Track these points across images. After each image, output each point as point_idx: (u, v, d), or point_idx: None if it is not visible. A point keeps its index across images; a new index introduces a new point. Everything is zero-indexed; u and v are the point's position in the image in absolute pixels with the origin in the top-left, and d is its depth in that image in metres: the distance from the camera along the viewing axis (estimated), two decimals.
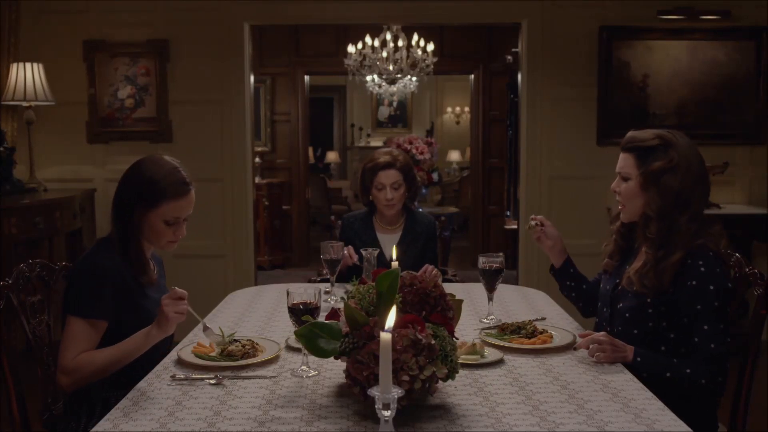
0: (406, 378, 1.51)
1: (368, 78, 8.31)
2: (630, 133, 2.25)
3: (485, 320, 2.45)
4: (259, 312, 2.64)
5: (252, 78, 5.37)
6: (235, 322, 2.48)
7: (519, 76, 5.31)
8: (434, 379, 1.58)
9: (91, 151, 5.17)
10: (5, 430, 2.75)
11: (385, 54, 7.28)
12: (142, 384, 1.87)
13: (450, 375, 1.64)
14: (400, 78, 7.80)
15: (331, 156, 12.86)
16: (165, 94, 5.12)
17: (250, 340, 2.12)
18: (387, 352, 1.30)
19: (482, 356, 2.03)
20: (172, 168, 2.21)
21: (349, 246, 3.10)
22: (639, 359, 2.04)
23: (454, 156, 12.01)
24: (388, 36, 7.16)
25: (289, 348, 2.15)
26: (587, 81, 5.11)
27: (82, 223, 4.88)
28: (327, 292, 2.73)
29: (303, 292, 1.93)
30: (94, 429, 1.59)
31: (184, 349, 2.10)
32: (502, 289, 2.79)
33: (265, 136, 8.48)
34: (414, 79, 8.20)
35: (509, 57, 7.23)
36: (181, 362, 2.02)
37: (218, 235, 5.20)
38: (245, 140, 5.19)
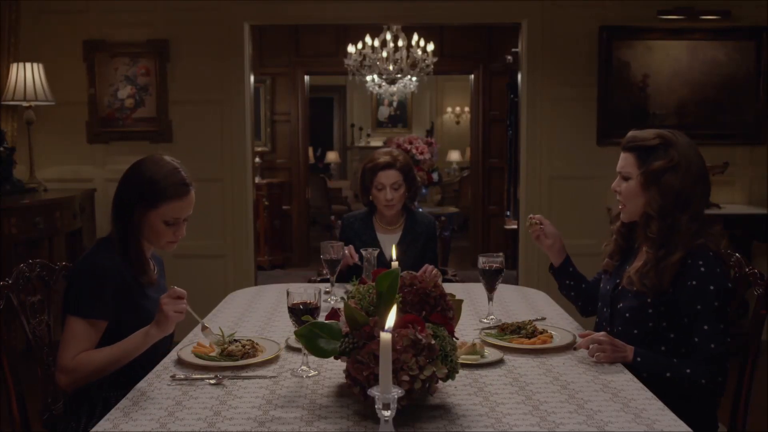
0: (406, 378, 1.51)
1: (368, 78, 8.32)
2: (631, 133, 2.25)
3: (485, 320, 2.45)
4: (259, 312, 2.64)
5: (252, 78, 5.37)
6: (235, 322, 2.48)
7: (519, 76, 5.31)
8: (434, 379, 1.58)
9: (91, 151, 5.17)
10: (5, 430, 2.75)
11: (385, 54, 7.28)
12: (142, 384, 1.87)
13: (450, 375, 1.64)
14: (400, 78, 7.81)
15: (331, 156, 12.87)
16: (165, 94, 5.12)
17: (250, 340, 2.12)
18: (387, 352, 1.30)
19: (482, 356, 2.03)
20: (172, 168, 2.21)
21: (350, 245, 3.10)
22: (639, 359, 2.04)
23: (454, 156, 12.01)
24: (388, 36, 7.16)
25: (289, 348, 2.15)
26: (587, 81, 5.11)
27: (82, 223, 4.88)
28: (327, 292, 2.73)
29: (303, 292, 1.93)
30: (94, 429, 1.59)
31: (184, 349, 2.09)
32: (502, 289, 2.79)
33: (265, 136, 8.48)
34: (414, 79, 8.20)
35: (509, 57, 7.23)
36: (181, 362, 2.02)
37: (218, 235, 5.20)
38: (245, 140, 5.19)
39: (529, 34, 5.13)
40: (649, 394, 1.80)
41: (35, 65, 4.73)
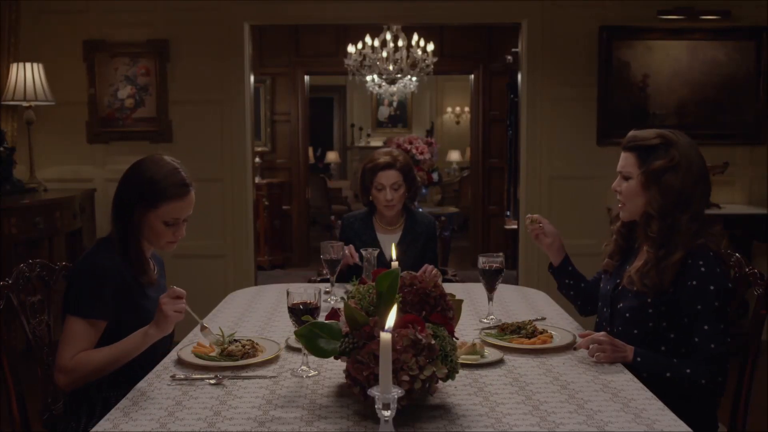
0: (406, 378, 1.51)
1: (368, 78, 8.31)
2: (631, 133, 2.25)
3: (485, 320, 2.45)
4: (259, 312, 2.64)
5: (252, 78, 5.37)
6: (235, 322, 2.48)
7: (519, 76, 5.31)
8: (434, 379, 1.58)
9: (91, 151, 5.17)
10: (5, 430, 2.75)
11: (385, 54, 7.28)
12: (142, 384, 1.87)
13: (450, 375, 1.64)
14: (400, 78, 7.80)
15: (331, 156, 12.87)
16: (165, 94, 5.12)
17: (250, 340, 2.12)
18: (387, 352, 1.30)
19: (482, 356, 2.03)
20: (172, 168, 2.21)
21: (350, 245, 3.09)
22: (639, 359, 2.04)
23: (454, 156, 12.01)
24: (388, 36, 7.16)
25: (289, 348, 2.15)
26: (587, 81, 5.11)
27: (82, 223, 4.88)
28: (327, 292, 2.73)
29: (303, 292, 1.92)
30: (94, 429, 1.59)
31: (184, 349, 2.09)
32: (502, 289, 2.79)
33: (265, 136, 8.48)
34: (414, 79, 8.20)
35: (509, 57, 7.23)
36: (181, 362, 2.02)
37: (218, 235, 5.20)
38: (245, 140, 5.19)
39: (529, 34, 5.13)
40: (649, 394, 1.80)
41: (35, 65, 4.73)
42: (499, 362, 2.03)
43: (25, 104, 4.75)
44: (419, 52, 7.35)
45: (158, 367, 2.00)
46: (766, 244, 5.02)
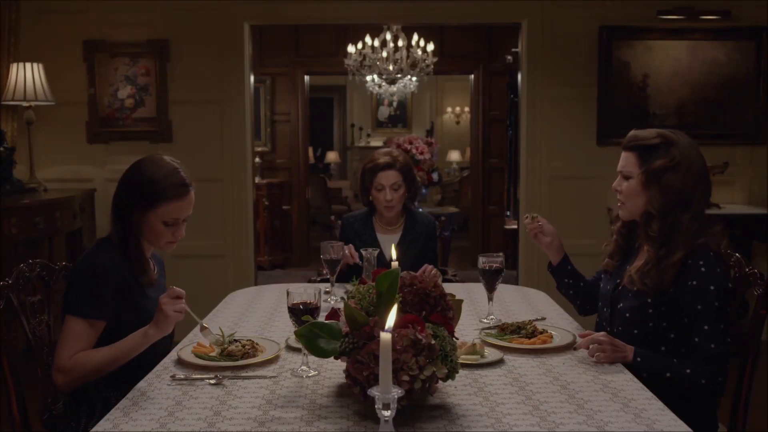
0: (406, 378, 1.51)
1: (368, 78, 8.31)
2: (632, 132, 2.25)
3: (485, 320, 2.45)
4: (259, 312, 2.64)
5: (252, 78, 5.37)
6: (235, 322, 2.48)
7: (519, 76, 5.31)
8: (434, 379, 1.58)
9: (91, 151, 5.17)
10: (5, 430, 2.75)
11: (385, 54, 7.28)
12: (142, 384, 1.87)
13: (450, 375, 1.64)
14: (400, 78, 7.80)
15: (331, 156, 12.86)
16: (165, 94, 5.12)
17: (250, 340, 2.12)
18: (387, 352, 1.30)
19: (482, 356, 2.03)
20: (171, 169, 2.20)
21: (350, 245, 3.09)
22: (639, 359, 2.04)
23: (454, 156, 12.01)
24: (388, 36, 7.16)
25: (289, 348, 2.15)
26: (587, 81, 5.11)
27: (82, 223, 4.88)
28: (327, 292, 2.73)
29: (303, 292, 1.92)
30: (94, 429, 1.59)
31: (184, 349, 2.09)
32: (502, 289, 2.79)
33: (265, 136, 8.48)
34: (414, 79, 8.20)
35: (509, 57, 7.23)
36: (181, 362, 2.02)
37: (218, 235, 5.20)
38: (245, 140, 5.19)
39: (529, 34, 5.13)
40: (649, 394, 1.80)
41: (35, 65, 4.73)
42: (499, 362, 2.03)
43: (25, 104, 4.75)
44: (419, 52, 7.35)
45: (158, 367, 2.00)
46: (766, 244, 5.02)
